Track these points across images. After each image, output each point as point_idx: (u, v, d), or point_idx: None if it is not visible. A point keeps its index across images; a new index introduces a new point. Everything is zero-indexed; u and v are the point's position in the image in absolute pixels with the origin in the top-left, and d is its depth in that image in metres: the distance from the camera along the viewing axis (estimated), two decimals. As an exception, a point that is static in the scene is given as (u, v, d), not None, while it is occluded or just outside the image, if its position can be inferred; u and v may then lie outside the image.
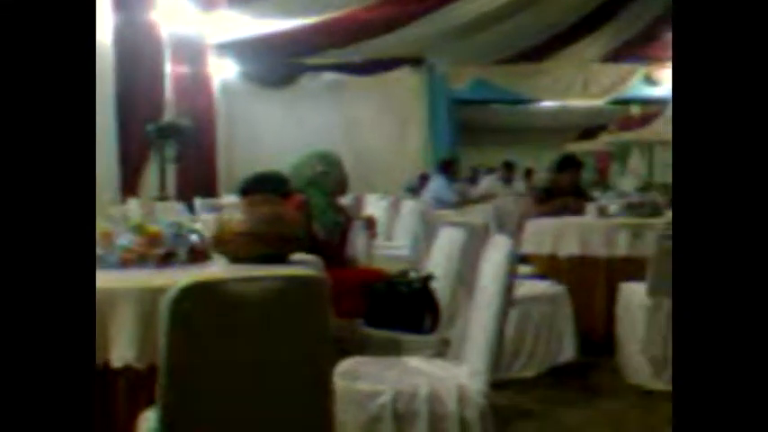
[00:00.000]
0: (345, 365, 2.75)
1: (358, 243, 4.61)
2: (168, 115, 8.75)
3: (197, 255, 2.90)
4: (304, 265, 2.82)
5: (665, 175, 11.33)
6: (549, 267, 5.08)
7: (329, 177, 3.90)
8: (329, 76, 11.00)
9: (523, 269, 4.82)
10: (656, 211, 5.42)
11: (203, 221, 3.83)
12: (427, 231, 5.60)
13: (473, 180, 11.73)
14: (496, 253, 2.75)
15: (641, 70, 10.33)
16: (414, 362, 2.88)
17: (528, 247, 5.32)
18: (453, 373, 2.68)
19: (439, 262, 3.66)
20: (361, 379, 2.62)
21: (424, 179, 9.28)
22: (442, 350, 3.17)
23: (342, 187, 4.02)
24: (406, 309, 3.29)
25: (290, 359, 2.06)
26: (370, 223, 4.72)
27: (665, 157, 11.89)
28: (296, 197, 3.82)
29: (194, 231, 2.98)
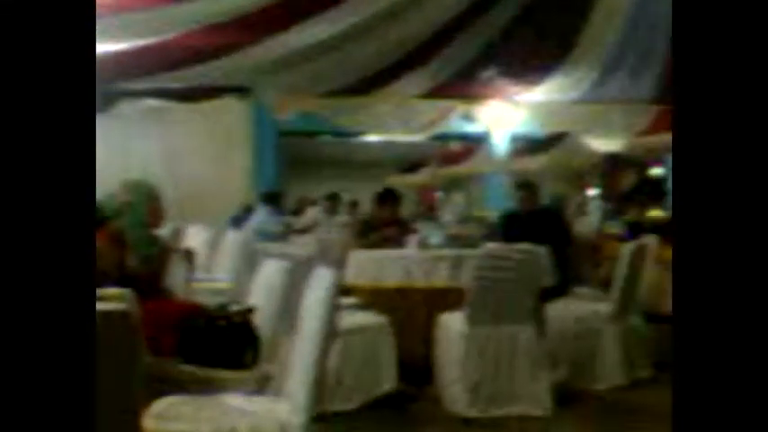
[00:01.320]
0: (160, 406, 2.60)
1: (176, 275, 4.43)
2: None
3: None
4: (113, 299, 2.65)
5: (481, 208, 11.87)
6: (373, 298, 5.12)
7: (137, 208, 3.75)
8: (150, 102, 10.62)
9: (347, 300, 4.83)
10: (473, 243, 5.63)
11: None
12: (250, 263, 5.49)
13: (298, 212, 11.70)
14: (319, 285, 2.72)
15: (459, 107, 10.78)
16: (233, 399, 2.78)
17: (351, 279, 5.35)
18: (273, 409, 2.61)
19: (262, 294, 3.58)
20: (177, 420, 2.49)
21: (247, 211, 9.14)
22: (263, 386, 3.08)
23: (157, 218, 3.87)
24: (225, 344, 3.18)
25: (98, 400, 1.91)
26: (188, 255, 4.56)
27: (480, 190, 12.47)
28: (110, 227, 3.63)
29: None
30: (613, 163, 12.19)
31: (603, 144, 10.77)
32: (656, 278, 6.23)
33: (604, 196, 13.31)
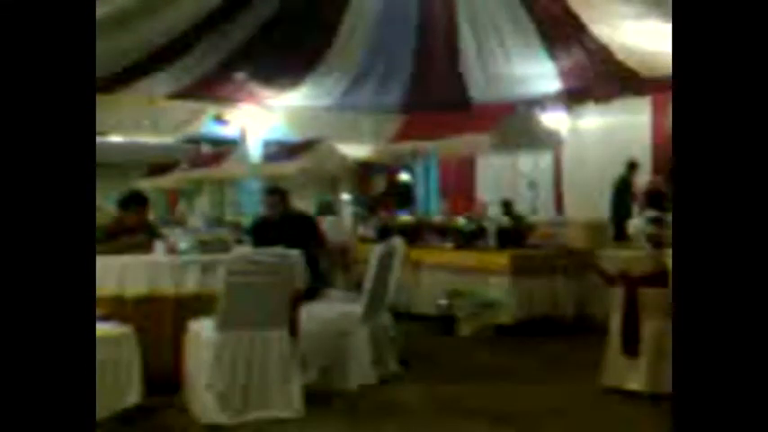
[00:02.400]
0: None
1: None
2: None
3: None
4: None
5: (233, 212, 11.69)
6: (115, 308, 4.80)
7: None
8: None
9: (86, 311, 4.48)
10: (224, 248, 5.49)
11: None
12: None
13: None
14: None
15: (211, 109, 10.52)
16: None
17: (92, 288, 4.98)
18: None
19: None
20: None
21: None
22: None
23: None
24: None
25: None
26: None
27: (233, 194, 12.29)
28: None
29: None
30: (365, 169, 12.59)
31: (354, 150, 11.08)
32: (403, 278, 6.48)
33: (357, 200, 13.73)
